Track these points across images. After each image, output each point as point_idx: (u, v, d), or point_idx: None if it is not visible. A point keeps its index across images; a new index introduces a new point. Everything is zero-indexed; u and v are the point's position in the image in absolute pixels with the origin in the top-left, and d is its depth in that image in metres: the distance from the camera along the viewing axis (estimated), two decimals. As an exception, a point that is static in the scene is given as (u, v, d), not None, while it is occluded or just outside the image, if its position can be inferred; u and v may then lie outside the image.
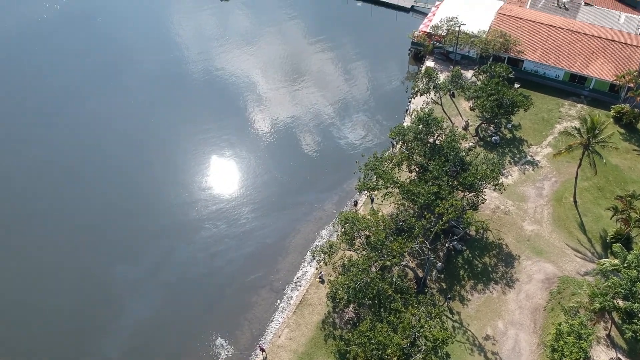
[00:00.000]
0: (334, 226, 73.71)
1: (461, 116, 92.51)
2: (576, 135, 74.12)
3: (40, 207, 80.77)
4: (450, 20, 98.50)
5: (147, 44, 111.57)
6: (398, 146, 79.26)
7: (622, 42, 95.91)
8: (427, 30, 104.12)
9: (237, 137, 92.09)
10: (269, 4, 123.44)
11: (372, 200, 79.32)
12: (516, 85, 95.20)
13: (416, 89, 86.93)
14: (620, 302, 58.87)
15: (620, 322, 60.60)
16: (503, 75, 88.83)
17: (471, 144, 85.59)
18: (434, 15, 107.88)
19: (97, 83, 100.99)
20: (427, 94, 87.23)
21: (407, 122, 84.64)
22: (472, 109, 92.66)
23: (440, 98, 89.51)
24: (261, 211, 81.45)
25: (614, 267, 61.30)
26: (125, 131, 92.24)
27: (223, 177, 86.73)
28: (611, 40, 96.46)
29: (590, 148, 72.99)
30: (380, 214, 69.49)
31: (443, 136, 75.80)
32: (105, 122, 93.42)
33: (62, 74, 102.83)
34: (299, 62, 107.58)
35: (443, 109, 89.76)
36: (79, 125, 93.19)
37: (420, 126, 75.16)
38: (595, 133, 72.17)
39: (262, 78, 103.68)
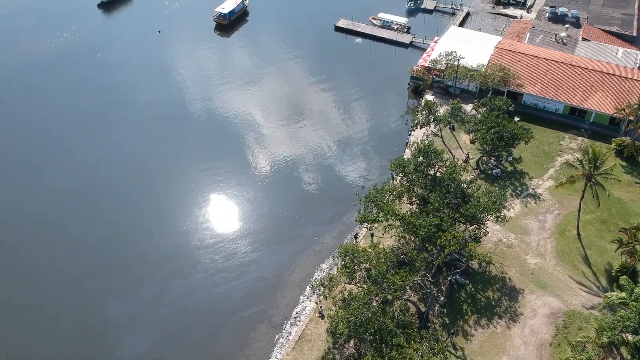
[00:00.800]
0: (334, 259, 72.46)
1: (461, 149, 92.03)
2: (578, 166, 73.51)
3: (36, 243, 79.29)
4: (449, 55, 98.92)
5: (147, 80, 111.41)
6: (398, 178, 78.57)
7: (620, 76, 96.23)
8: (426, 65, 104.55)
9: (236, 172, 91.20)
10: (269, 41, 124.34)
11: (372, 235, 77.95)
12: (516, 119, 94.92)
13: (416, 122, 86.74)
14: (630, 336, 57.10)
15: (630, 357, 58.68)
16: (503, 108, 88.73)
17: (472, 176, 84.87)
18: (432, 50, 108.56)
19: (96, 118, 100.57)
20: (427, 127, 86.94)
21: (407, 155, 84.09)
22: (472, 142, 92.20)
23: (441, 130, 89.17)
24: (260, 245, 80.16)
25: (621, 300, 59.81)
26: (123, 166, 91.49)
27: (220, 211, 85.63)
28: (610, 74, 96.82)
29: (593, 179, 72.28)
30: (381, 246, 68.25)
31: (444, 168, 75.14)
32: (103, 157, 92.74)
33: (60, 109, 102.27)
34: (299, 99, 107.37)
35: (443, 142, 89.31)
36: (77, 158, 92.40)
37: (421, 158, 74.64)
38: (597, 164, 71.58)
39: (262, 115, 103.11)
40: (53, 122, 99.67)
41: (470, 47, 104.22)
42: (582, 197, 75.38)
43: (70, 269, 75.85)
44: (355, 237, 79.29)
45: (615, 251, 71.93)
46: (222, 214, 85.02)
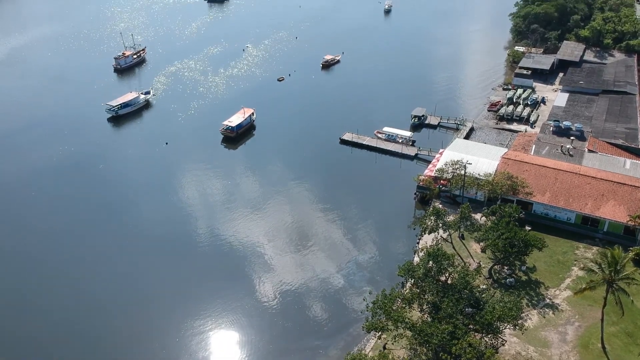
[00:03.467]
0: (339, 371, 66.67)
1: (472, 258, 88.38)
2: (597, 270, 69.48)
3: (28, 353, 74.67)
4: (455, 163, 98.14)
5: (147, 195, 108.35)
6: (408, 284, 74.43)
7: (631, 185, 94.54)
8: (433, 174, 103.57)
9: (235, 286, 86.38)
10: (275, 154, 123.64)
11: (384, 347, 72.03)
12: (527, 228, 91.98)
13: (424, 227, 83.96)
14: None
15: None
16: (514, 216, 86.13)
17: (485, 285, 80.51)
18: (437, 161, 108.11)
19: (91, 234, 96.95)
20: (436, 232, 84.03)
21: (416, 260, 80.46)
22: (483, 250, 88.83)
23: (450, 236, 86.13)
24: (257, 359, 74.56)
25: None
26: (116, 284, 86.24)
27: (215, 321, 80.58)
28: (620, 183, 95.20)
29: (614, 285, 67.95)
30: (390, 357, 62.86)
31: (455, 274, 71.19)
32: (95, 275, 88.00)
33: (53, 223, 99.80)
34: (305, 214, 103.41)
35: (454, 248, 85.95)
36: (68, 275, 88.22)
37: (431, 263, 71.01)
38: (618, 268, 67.58)
39: (264, 234, 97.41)
40: (45, 235, 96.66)
41: (475, 158, 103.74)
42: (605, 305, 70.63)
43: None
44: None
45: (646, 365, 66.20)
46: (216, 325, 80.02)
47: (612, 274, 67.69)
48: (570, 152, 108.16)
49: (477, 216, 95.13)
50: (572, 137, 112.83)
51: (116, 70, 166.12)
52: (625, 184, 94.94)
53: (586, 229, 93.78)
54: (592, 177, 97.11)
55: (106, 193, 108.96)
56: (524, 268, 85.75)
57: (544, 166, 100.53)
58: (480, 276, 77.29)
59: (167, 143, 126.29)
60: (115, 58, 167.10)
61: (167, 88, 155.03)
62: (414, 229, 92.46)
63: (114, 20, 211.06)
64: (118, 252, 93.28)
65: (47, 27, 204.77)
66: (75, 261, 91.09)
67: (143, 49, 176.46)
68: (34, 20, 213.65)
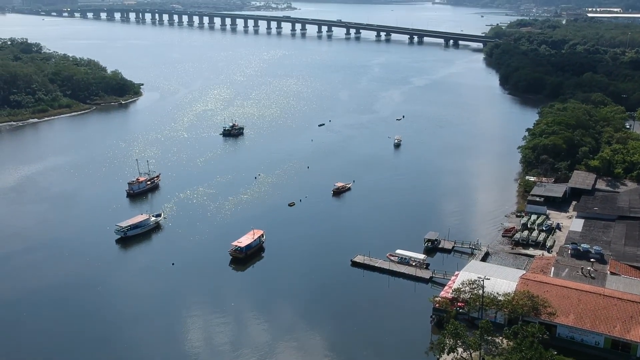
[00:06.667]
0: None
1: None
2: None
3: None
4: (473, 283, 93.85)
5: (145, 327, 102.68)
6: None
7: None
8: (449, 296, 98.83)
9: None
10: (284, 278, 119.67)
11: None
12: (553, 352, 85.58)
13: (442, 345, 78.14)
14: None
15: None
16: (538, 336, 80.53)
17: (511, 413, 73.19)
18: (453, 282, 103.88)
19: None
20: (455, 352, 78.01)
21: (435, 382, 73.96)
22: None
23: (471, 355, 79.83)
24: None
25: None
26: None
27: None
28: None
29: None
30: None
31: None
32: None
33: (42, 352, 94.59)
34: (315, 349, 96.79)
35: (475, 370, 79.40)
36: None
37: (452, 382, 64.96)
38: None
39: None
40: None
41: (493, 278, 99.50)
42: None
43: None
44: None
45: None
46: None
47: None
48: (592, 275, 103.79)
49: (498, 340, 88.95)
50: (592, 260, 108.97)
51: (129, 195, 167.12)
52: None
53: (617, 354, 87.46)
54: (619, 298, 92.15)
55: (100, 319, 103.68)
56: (553, 395, 78.58)
57: (565, 287, 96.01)
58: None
59: (173, 263, 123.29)
60: (129, 183, 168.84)
61: (178, 212, 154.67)
62: (431, 350, 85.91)
63: (131, 150, 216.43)
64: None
65: (64, 156, 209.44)
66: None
67: (157, 175, 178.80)
68: (52, 150, 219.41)
